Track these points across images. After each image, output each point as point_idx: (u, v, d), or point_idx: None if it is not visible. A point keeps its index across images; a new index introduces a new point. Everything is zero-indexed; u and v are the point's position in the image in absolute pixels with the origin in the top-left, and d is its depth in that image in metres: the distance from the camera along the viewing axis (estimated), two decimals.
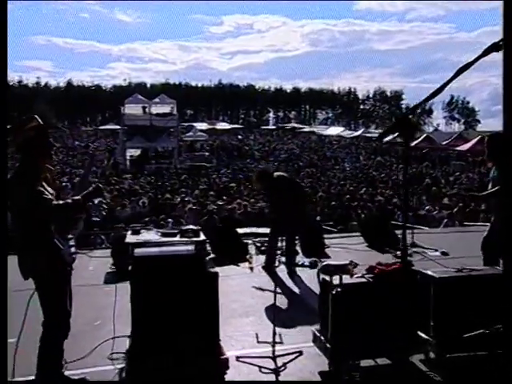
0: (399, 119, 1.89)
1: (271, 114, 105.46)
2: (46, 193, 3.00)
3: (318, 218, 11.94)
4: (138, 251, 3.40)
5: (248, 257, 6.94)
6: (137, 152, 31.42)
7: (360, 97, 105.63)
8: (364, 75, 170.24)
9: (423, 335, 3.63)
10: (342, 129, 61.70)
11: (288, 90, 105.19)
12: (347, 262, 3.56)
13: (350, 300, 3.44)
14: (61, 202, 3.04)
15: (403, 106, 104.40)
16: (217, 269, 4.30)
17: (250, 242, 7.95)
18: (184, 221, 11.62)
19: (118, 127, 39.46)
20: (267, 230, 9.06)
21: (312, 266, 6.69)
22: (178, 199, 14.51)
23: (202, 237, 3.79)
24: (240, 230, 8.02)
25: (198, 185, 18.68)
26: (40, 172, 3.08)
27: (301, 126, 68.65)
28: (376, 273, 3.49)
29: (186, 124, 52.12)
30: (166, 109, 33.02)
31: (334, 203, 13.81)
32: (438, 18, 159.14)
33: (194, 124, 53.17)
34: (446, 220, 11.26)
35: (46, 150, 3.17)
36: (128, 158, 30.23)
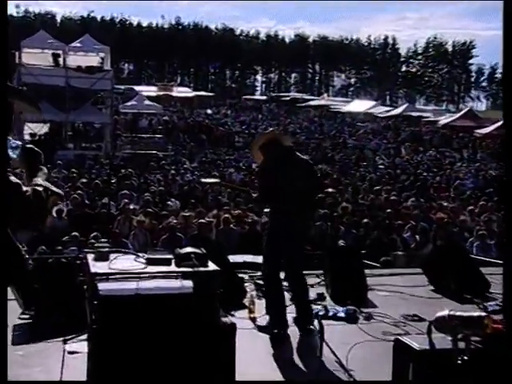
0: None
1: (259, 77, 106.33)
2: None
3: (342, 242, 12.05)
4: (105, 287, 3.33)
5: (247, 301, 6.89)
6: (43, 129, 31.15)
7: (403, 53, 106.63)
8: (410, 17, 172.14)
9: None
10: (373, 103, 62.48)
11: (287, 39, 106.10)
12: (482, 313, 3.52)
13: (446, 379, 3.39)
14: None
15: (473, 68, 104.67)
16: None
17: (245, 277, 7.93)
18: (129, 242, 11.57)
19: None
20: None
21: (350, 318, 6.67)
22: (118, 207, 14.46)
23: (213, 266, 3.74)
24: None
25: (149, 185, 18.65)
26: None
27: (307, 98, 69.36)
28: (489, 333, 3.45)
29: (124, 87, 52.06)
30: (92, 60, 32.59)
31: (365, 221, 13.87)
32: None
33: (137, 87, 53.18)
34: None
35: None
36: (27, 138, 29.93)
